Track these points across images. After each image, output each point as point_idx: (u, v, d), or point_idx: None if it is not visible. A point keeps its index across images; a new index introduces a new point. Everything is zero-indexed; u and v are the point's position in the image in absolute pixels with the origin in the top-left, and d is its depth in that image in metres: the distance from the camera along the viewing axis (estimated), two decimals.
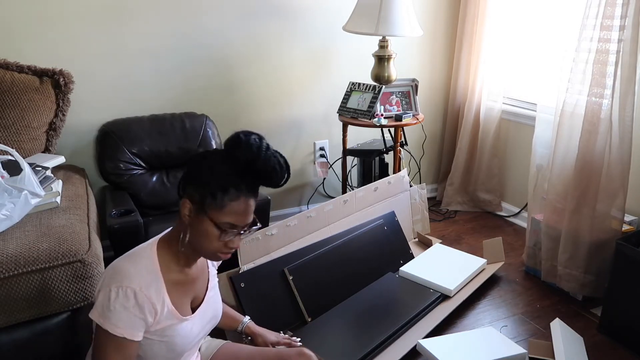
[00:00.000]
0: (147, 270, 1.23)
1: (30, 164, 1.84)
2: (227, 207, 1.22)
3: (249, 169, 1.23)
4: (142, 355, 1.27)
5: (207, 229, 1.23)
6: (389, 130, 2.92)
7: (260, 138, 1.25)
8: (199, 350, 1.53)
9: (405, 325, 2.02)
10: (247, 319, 1.67)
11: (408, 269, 2.37)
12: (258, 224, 1.33)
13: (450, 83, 3.34)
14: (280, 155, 1.28)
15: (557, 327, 2.05)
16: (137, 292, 1.18)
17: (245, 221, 1.27)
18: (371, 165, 2.94)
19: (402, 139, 2.86)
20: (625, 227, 2.27)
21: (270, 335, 1.66)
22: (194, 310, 1.36)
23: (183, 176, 1.28)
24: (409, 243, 2.60)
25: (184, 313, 1.31)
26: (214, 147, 2.54)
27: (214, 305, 1.44)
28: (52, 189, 1.86)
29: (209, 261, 1.44)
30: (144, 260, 1.25)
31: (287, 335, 1.71)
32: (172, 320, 1.27)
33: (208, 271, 1.44)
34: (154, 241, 1.30)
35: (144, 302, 1.19)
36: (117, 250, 2.00)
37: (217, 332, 1.73)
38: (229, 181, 1.21)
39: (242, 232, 1.28)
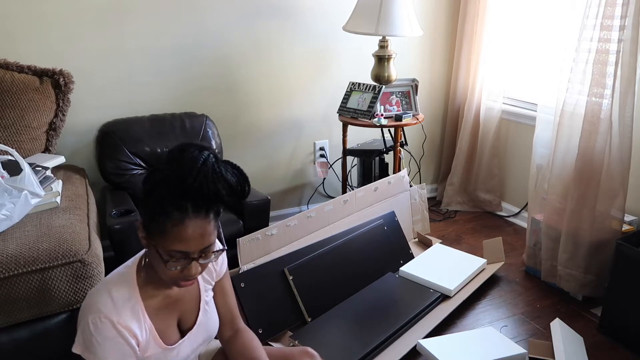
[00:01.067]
0: (124, 299, 1.15)
1: (30, 164, 1.84)
2: (171, 232, 1.07)
3: (186, 188, 1.06)
4: None
5: (155, 257, 1.12)
6: (389, 130, 2.92)
7: (200, 150, 1.08)
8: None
9: (405, 325, 2.02)
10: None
11: (408, 269, 2.37)
12: (219, 247, 1.18)
13: (450, 83, 3.34)
14: (231, 169, 1.11)
15: (557, 327, 2.05)
16: (115, 323, 1.11)
17: (197, 247, 1.10)
18: (371, 165, 2.94)
19: (402, 139, 2.86)
20: (625, 227, 2.27)
21: None
22: (182, 332, 1.28)
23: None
24: (409, 243, 2.60)
25: (169, 338, 1.24)
26: (214, 147, 2.54)
27: (206, 327, 1.33)
28: (52, 189, 1.86)
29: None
30: (121, 288, 1.16)
31: None
32: (156, 349, 1.21)
33: (198, 287, 1.31)
34: (133, 264, 1.21)
35: (123, 331, 1.12)
36: (117, 250, 2.00)
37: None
38: (169, 202, 1.06)
39: (197, 258, 1.12)
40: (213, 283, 1.36)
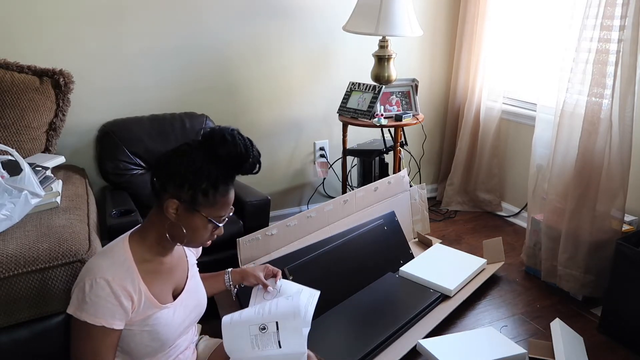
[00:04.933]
0: (118, 262, 1.25)
1: (30, 164, 1.83)
2: (219, 202, 1.27)
3: (237, 166, 1.27)
4: (125, 347, 1.28)
5: (199, 224, 1.28)
6: (389, 130, 2.92)
7: (241, 134, 1.28)
8: (197, 349, 1.53)
9: (405, 325, 2.02)
10: (229, 269, 1.66)
11: (408, 269, 2.37)
12: (232, 208, 1.35)
13: (450, 83, 3.34)
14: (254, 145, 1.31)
15: (557, 327, 2.05)
16: (110, 281, 1.20)
17: (229, 209, 1.32)
18: (371, 165, 2.94)
19: (402, 139, 2.86)
20: (625, 227, 2.27)
21: (257, 271, 1.61)
22: (175, 298, 1.37)
23: (160, 174, 1.27)
24: (409, 243, 2.60)
25: (164, 301, 1.32)
26: None
27: (195, 294, 1.45)
28: (52, 189, 1.86)
29: (186, 250, 1.48)
30: (115, 253, 1.27)
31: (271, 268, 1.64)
32: (152, 310, 1.28)
33: (187, 260, 1.46)
34: (124, 236, 1.32)
35: (117, 290, 1.20)
36: None
37: (215, 332, 1.73)
38: (218, 179, 1.25)
39: (227, 218, 1.33)
40: (196, 256, 1.54)
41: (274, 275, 1.62)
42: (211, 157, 1.25)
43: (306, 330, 1.44)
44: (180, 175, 1.24)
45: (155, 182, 1.28)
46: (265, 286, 1.59)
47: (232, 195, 1.30)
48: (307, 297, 1.56)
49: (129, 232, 1.34)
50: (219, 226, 1.31)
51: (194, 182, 1.23)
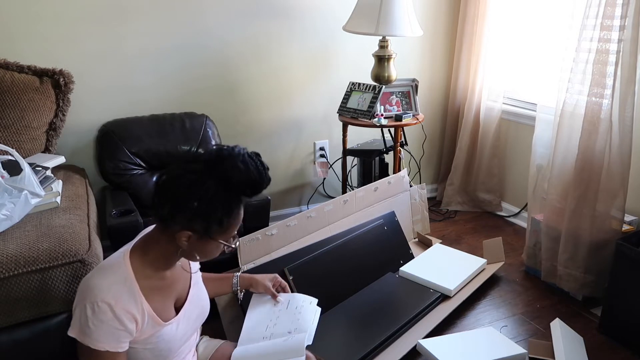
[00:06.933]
0: (120, 282, 1.20)
1: (30, 164, 1.84)
2: (232, 224, 1.26)
3: (251, 192, 1.24)
4: None
5: (212, 248, 1.27)
6: (389, 130, 2.92)
7: (251, 157, 1.24)
8: (197, 350, 1.53)
9: (405, 325, 2.02)
10: (237, 274, 1.69)
11: (408, 269, 2.37)
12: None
13: (450, 83, 3.34)
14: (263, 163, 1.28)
15: (557, 327, 2.05)
16: (113, 305, 1.16)
17: (240, 224, 1.31)
18: (371, 165, 2.94)
19: (402, 139, 2.86)
20: (625, 227, 2.27)
21: (266, 280, 1.69)
22: (178, 310, 1.34)
23: (166, 202, 1.19)
24: (409, 243, 2.60)
25: (167, 316, 1.29)
26: (214, 146, 2.53)
27: (198, 302, 1.43)
28: (52, 189, 1.86)
29: None
30: (116, 271, 1.22)
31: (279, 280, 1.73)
32: (155, 328, 1.26)
33: (189, 266, 1.44)
34: (125, 250, 1.27)
35: (120, 314, 1.17)
36: (117, 250, 2.00)
37: (216, 332, 1.73)
38: (232, 205, 1.23)
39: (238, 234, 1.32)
40: (199, 265, 1.51)
41: (283, 288, 1.67)
42: (224, 184, 1.19)
43: (308, 341, 1.48)
44: (192, 209, 1.18)
45: (160, 207, 1.20)
46: (274, 297, 1.62)
47: (241, 214, 1.28)
48: (314, 313, 1.61)
49: (129, 246, 1.29)
50: (232, 247, 1.30)
51: (208, 214, 1.19)
